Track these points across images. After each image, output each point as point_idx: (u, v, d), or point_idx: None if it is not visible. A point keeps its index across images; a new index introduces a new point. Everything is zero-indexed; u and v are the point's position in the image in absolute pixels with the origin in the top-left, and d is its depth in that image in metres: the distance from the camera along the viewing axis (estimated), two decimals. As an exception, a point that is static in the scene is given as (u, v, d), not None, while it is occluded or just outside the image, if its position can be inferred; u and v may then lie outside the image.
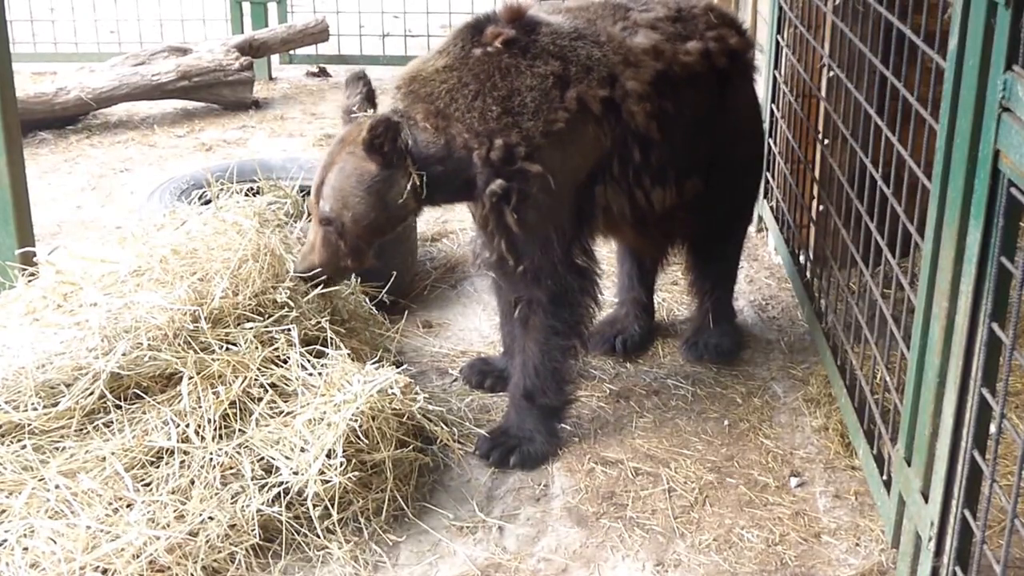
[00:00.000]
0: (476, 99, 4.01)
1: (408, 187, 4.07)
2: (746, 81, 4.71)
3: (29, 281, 4.32)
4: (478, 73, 4.03)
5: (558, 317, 4.22)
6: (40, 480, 3.56)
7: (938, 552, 3.16)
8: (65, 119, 8.11)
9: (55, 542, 3.41)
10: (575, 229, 4.19)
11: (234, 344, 4.01)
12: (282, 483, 3.67)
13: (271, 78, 9.53)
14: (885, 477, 3.73)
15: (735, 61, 4.52)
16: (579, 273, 4.21)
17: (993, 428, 2.92)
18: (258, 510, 3.62)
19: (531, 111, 4.00)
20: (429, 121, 4.05)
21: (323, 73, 9.72)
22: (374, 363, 4.14)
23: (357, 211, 4.11)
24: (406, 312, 5.32)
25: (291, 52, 9.61)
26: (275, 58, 9.63)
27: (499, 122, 3.99)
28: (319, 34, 9.37)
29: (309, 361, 4.06)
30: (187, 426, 3.74)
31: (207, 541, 3.50)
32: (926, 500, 3.25)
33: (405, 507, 3.90)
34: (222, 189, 4.95)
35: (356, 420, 3.78)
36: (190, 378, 3.83)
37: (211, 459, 3.68)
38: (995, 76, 2.75)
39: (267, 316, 4.16)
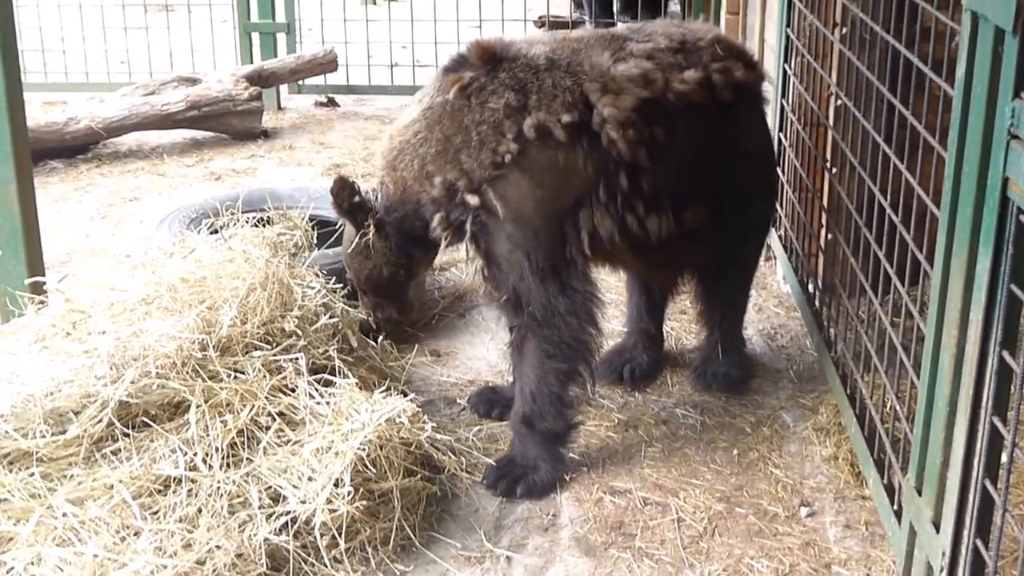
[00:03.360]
0: (421, 147, 4.19)
1: (375, 239, 4.45)
2: (755, 113, 4.69)
3: (38, 309, 4.32)
4: (429, 122, 4.20)
5: (549, 340, 4.22)
6: (48, 508, 3.55)
7: (950, 582, 3.15)
8: (75, 148, 8.15)
9: (62, 570, 3.39)
10: (557, 253, 4.18)
11: (242, 372, 4.02)
12: (289, 512, 3.66)
13: (280, 108, 9.57)
14: (896, 507, 3.71)
15: (742, 93, 4.49)
16: (566, 296, 4.20)
17: (1004, 457, 2.90)
18: (265, 539, 3.60)
19: (475, 145, 4.08)
20: (388, 177, 4.33)
21: (332, 103, 9.76)
22: (382, 392, 4.14)
23: (353, 268, 4.68)
24: (415, 341, 5.32)
25: (300, 82, 9.66)
26: (284, 88, 9.67)
27: (435, 162, 4.15)
28: (328, 64, 9.41)
29: (317, 390, 4.06)
30: (195, 454, 3.73)
31: (214, 570, 3.49)
32: (937, 530, 3.23)
33: (413, 536, 3.89)
34: (231, 218, 4.97)
35: (364, 449, 3.78)
36: (198, 406, 3.83)
37: (218, 488, 3.67)
38: (1003, 104, 2.75)
39: (275, 345, 4.16)
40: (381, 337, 4.85)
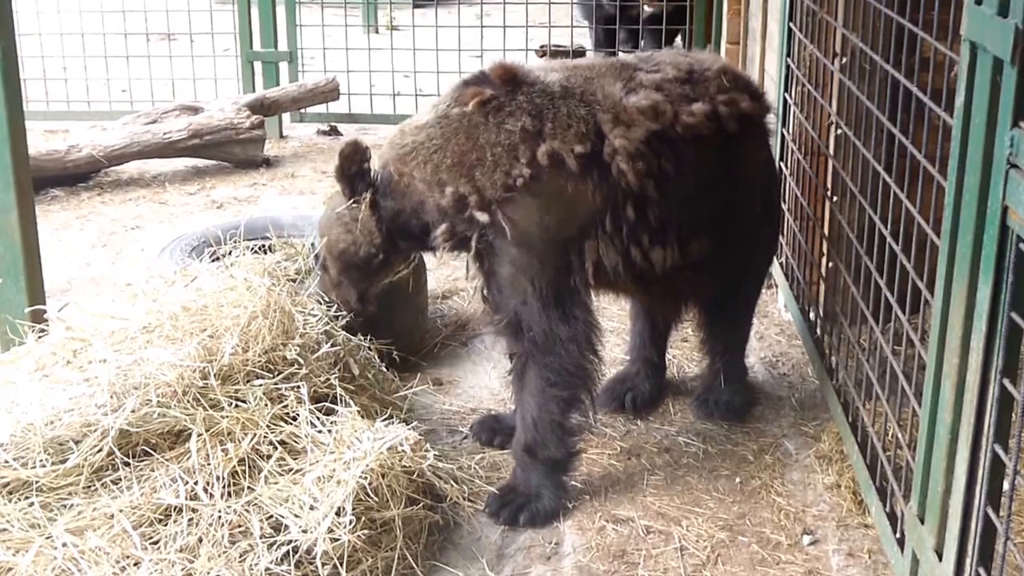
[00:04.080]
0: (436, 152, 4.17)
1: (367, 214, 4.34)
2: (760, 145, 4.70)
3: (39, 337, 4.32)
4: (445, 130, 4.19)
5: (550, 368, 4.22)
6: (47, 538, 3.53)
7: (953, 611, 3.14)
8: (77, 177, 8.16)
9: (62, 601, 3.39)
10: (561, 281, 4.19)
11: (243, 401, 4.01)
12: (291, 541, 3.65)
13: (282, 136, 9.59)
14: (898, 535, 3.70)
15: (747, 125, 4.50)
16: (568, 323, 4.20)
17: (1006, 485, 2.90)
18: (267, 569, 3.59)
19: (489, 164, 4.09)
20: (394, 167, 4.28)
21: (334, 131, 9.78)
22: (384, 420, 4.13)
23: (329, 237, 4.53)
24: (416, 369, 5.32)
25: (302, 111, 9.68)
26: (286, 116, 9.69)
27: (450, 172, 4.13)
28: (330, 93, 9.44)
29: (319, 418, 4.06)
30: (195, 483, 3.73)
31: (215, 600, 3.48)
32: (940, 558, 3.22)
33: (415, 566, 3.87)
34: (232, 246, 4.97)
35: (366, 478, 3.77)
36: (199, 435, 3.83)
37: (219, 517, 3.66)
38: (1002, 133, 2.76)
39: (277, 373, 4.16)
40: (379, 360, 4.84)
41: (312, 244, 5.23)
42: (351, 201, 4.39)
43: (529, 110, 4.13)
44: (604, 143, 4.14)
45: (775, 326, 5.89)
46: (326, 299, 4.70)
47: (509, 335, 4.29)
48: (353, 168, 4.35)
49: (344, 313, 4.67)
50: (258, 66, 9.65)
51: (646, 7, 10.22)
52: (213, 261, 4.88)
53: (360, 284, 4.66)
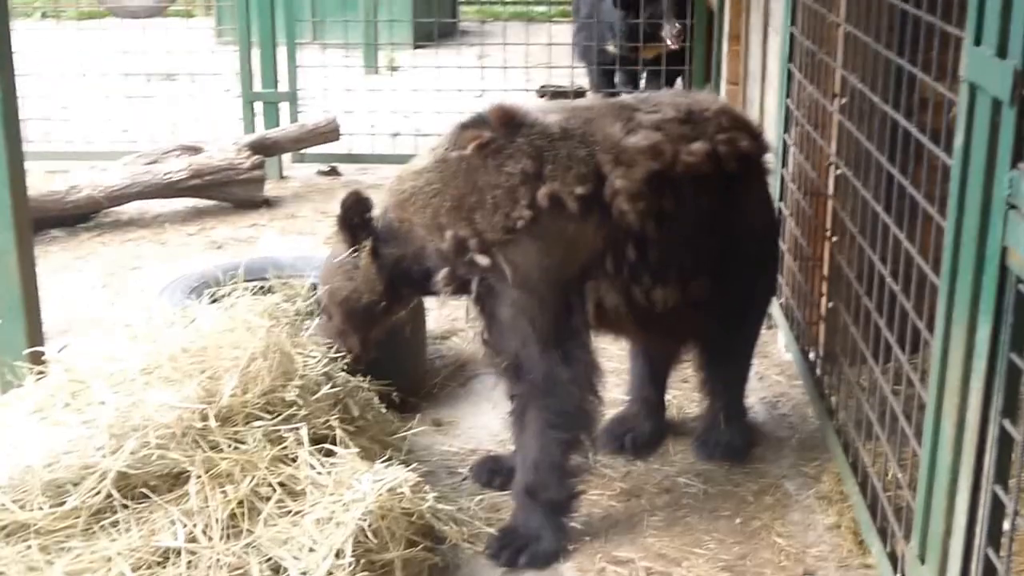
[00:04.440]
0: (435, 197, 4.17)
1: (368, 262, 4.33)
2: (760, 184, 4.72)
3: (37, 379, 4.32)
4: (444, 174, 4.19)
5: (551, 410, 4.21)
6: (45, 581, 3.53)
7: (955, 653, 3.12)
8: (77, 217, 8.17)
9: (60, 644, 3.37)
10: (561, 322, 4.19)
11: (243, 443, 4.00)
12: (290, 584, 3.64)
13: (282, 176, 9.60)
14: (899, 575, 3.69)
15: (747, 164, 4.52)
16: (568, 365, 4.20)
17: (1007, 525, 2.89)
18: (266, 611, 3.58)
19: (489, 207, 4.08)
20: (394, 213, 4.28)
21: (334, 172, 9.80)
22: (384, 462, 4.12)
23: (330, 286, 4.52)
24: (416, 410, 5.30)
25: (302, 151, 9.70)
26: (286, 157, 9.70)
27: (449, 216, 4.13)
28: (330, 133, 9.45)
29: (318, 460, 4.04)
30: (194, 525, 3.71)
31: (214, 643, 3.46)
32: (941, 600, 3.21)
33: (414, 608, 3.86)
34: (232, 287, 4.97)
35: (365, 519, 3.75)
36: (198, 477, 3.81)
37: (218, 560, 3.64)
38: (1001, 173, 2.76)
39: (276, 414, 4.15)
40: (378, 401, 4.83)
41: (312, 285, 5.24)
42: (352, 250, 4.39)
43: (529, 152, 4.13)
44: (605, 184, 4.14)
45: (775, 366, 5.89)
46: (329, 345, 4.67)
47: (510, 377, 4.29)
48: (355, 219, 4.34)
49: (344, 354, 4.65)
50: (259, 106, 9.68)
51: (648, 53, 10.24)
52: (213, 302, 4.87)
53: (363, 330, 4.65)
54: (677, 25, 9.83)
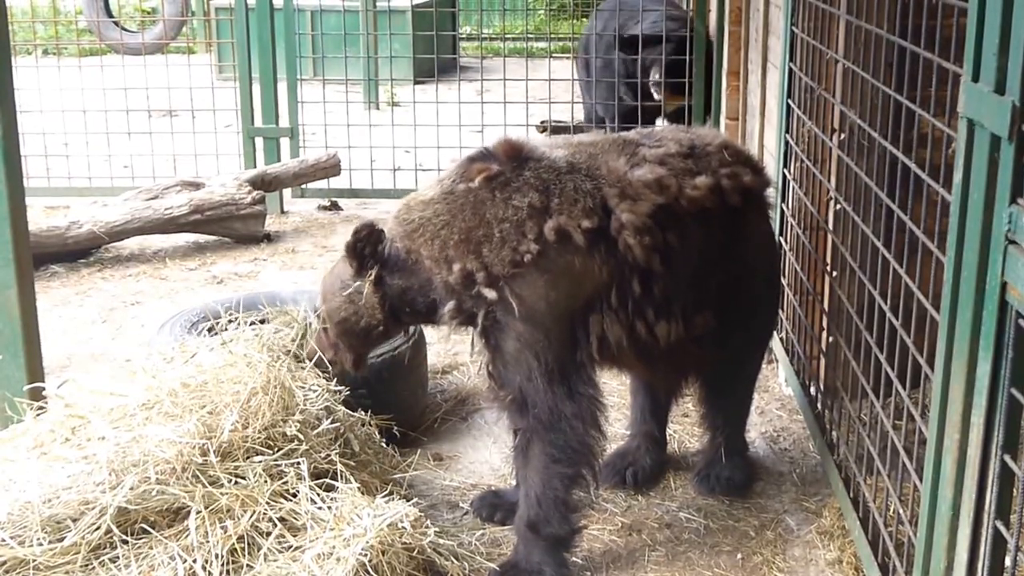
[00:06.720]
0: (443, 229, 4.18)
1: (371, 290, 4.32)
2: (761, 218, 4.73)
3: (37, 415, 4.31)
4: (452, 206, 4.19)
5: (555, 445, 4.20)
6: (45, 617, 3.52)
7: None
8: (77, 252, 8.18)
9: None
10: (567, 356, 4.19)
11: (243, 478, 4.00)
12: (290, 620, 3.62)
13: (283, 212, 9.62)
14: (901, 612, 3.68)
15: (749, 198, 4.53)
16: (573, 400, 4.20)
17: (1008, 561, 2.88)
18: (265, 648, 3.57)
19: (496, 241, 4.09)
20: (401, 243, 4.27)
21: (335, 207, 9.82)
22: (384, 497, 4.12)
23: (331, 306, 4.50)
24: (417, 445, 5.30)
25: (303, 186, 9.71)
26: (287, 192, 9.72)
27: (457, 249, 4.13)
28: (331, 168, 9.47)
29: (319, 495, 4.04)
30: (194, 561, 3.70)
31: None
32: (943, 636, 3.20)
33: (415, 644, 3.85)
34: (232, 321, 4.97)
35: (366, 555, 3.75)
36: (198, 512, 3.81)
37: (218, 595, 3.64)
38: (1000, 209, 2.77)
39: (276, 449, 4.15)
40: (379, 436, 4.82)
41: (307, 311, 5.25)
42: (357, 276, 4.37)
43: (536, 185, 4.15)
44: (611, 218, 4.15)
45: (776, 401, 5.88)
46: (322, 358, 4.69)
47: (514, 411, 4.28)
48: (367, 249, 4.32)
49: (337, 373, 4.69)
50: (259, 142, 9.70)
51: (668, 104, 10.23)
52: (212, 337, 4.88)
53: (356, 349, 4.66)
54: (656, 77, 9.86)
